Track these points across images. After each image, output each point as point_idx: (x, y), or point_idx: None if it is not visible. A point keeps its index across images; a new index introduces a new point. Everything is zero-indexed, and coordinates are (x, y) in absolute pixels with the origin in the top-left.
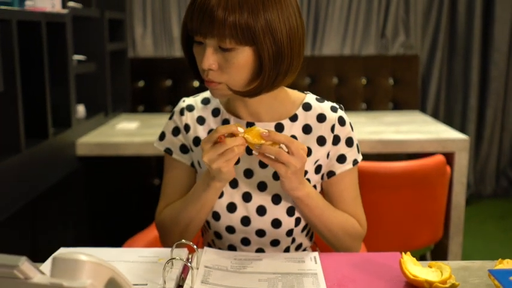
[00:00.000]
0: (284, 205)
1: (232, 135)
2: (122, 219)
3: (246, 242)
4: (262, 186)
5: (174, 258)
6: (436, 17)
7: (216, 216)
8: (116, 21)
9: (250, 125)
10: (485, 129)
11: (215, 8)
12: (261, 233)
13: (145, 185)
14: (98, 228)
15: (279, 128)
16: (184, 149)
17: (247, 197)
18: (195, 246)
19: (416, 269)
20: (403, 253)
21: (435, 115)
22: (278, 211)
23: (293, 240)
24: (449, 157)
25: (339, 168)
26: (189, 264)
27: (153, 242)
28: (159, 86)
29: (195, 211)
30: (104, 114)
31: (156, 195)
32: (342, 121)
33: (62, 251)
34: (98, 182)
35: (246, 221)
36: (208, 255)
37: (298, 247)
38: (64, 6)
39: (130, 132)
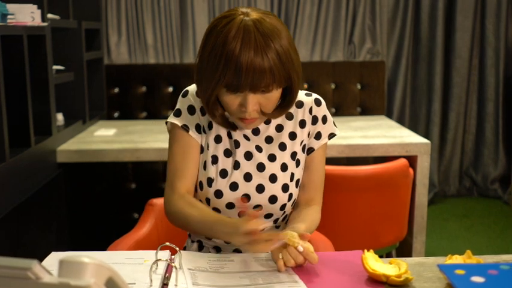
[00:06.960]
0: (279, 183)
1: None
2: (100, 222)
3: (241, 215)
4: (260, 167)
5: (159, 260)
6: (401, 25)
7: (219, 194)
8: (92, 31)
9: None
10: (448, 132)
11: (261, 68)
12: (258, 208)
13: (123, 190)
14: (77, 231)
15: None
16: (198, 128)
17: (248, 177)
18: (177, 248)
19: (377, 264)
20: (365, 250)
21: (401, 119)
22: (274, 188)
23: (284, 213)
24: (412, 160)
25: (316, 144)
26: (173, 264)
27: (135, 245)
28: (133, 92)
29: (205, 235)
30: (82, 121)
31: (133, 199)
32: (317, 102)
33: (55, 255)
34: (77, 188)
35: (246, 198)
36: (185, 257)
37: (284, 219)
38: (43, 19)
39: (108, 139)
